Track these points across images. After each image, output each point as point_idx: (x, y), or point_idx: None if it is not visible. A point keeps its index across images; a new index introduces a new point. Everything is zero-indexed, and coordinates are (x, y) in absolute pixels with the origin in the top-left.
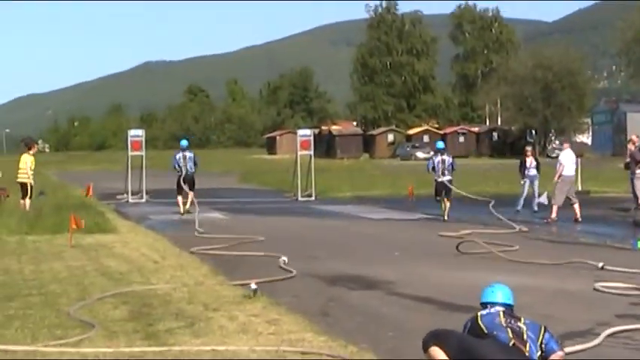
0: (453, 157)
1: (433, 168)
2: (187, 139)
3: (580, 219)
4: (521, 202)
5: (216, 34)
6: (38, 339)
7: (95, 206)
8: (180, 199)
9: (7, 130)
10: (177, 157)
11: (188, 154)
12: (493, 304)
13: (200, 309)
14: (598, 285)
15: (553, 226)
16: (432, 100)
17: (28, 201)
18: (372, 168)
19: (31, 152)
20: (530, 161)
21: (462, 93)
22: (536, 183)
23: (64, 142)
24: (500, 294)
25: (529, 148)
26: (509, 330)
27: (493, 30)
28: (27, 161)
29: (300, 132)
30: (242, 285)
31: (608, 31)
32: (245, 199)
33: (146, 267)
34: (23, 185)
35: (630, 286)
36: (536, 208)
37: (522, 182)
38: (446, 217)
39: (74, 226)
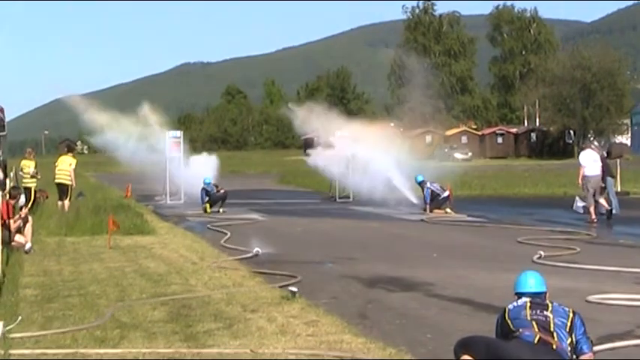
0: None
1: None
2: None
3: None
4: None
5: (253, 35)
6: (78, 340)
7: (134, 208)
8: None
9: (46, 132)
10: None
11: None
12: (525, 293)
13: (239, 310)
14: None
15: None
16: (470, 101)
17: (67, 202)
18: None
19: (71, 154)
20: None
21: (500, 94)
22: (607, 183)
23: (102, 143)
24: (532, 281)
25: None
26: (534, 323)
27: (531, 30)
28: (71, 163)
29: (338, 133)
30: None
31: None
32: (283, 200)
33: (185, 268)
34: (62, 186)
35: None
36: (614, 209)
37: (602, 185)
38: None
39: (112, 228)
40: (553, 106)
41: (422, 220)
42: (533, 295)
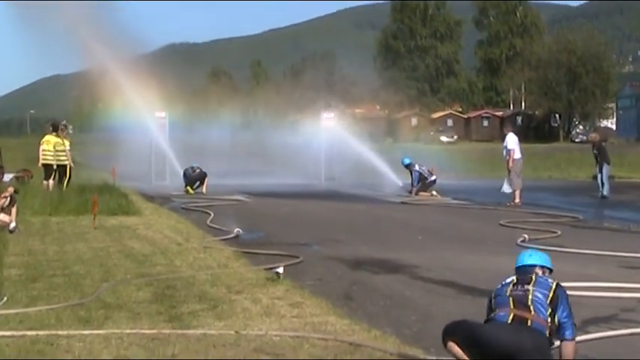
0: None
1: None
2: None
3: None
4: (606, 186)
5: (239, 16)
6: (62, 320)
7: (119, 188)
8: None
9: (32, 111)
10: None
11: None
12: (518, 268)
13: (223, 291)
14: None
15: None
16: (456, 84)
17: (51, 182)
18: (396, 151)
19: (55, 133)
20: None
21: (486, 77)
22: (600, 168)
23: (88, 124)
24: (526, 256)
25: (593, 135)
26: (511, 300)
27: (517, 14)
28: (56, 143)
29: (325, 115)
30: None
31: (634, 15)
32: (268, 181)
33: (169, 249)
34: (47, 167)
35: None
36: (605, 193)
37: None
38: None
39: (95, 210)
40: (539, 89)
41: (402, 202)
42: (525, 269)
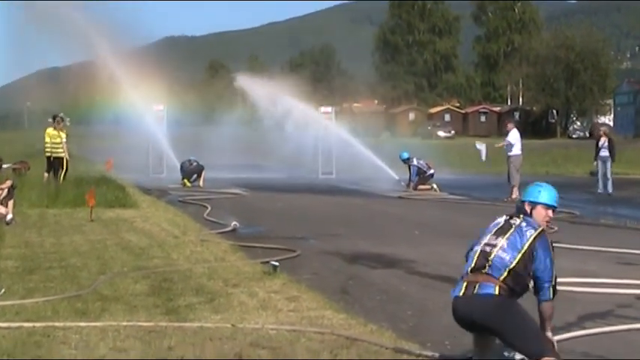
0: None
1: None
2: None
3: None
4: (601, 184)
5: (238, 9)
6: (59, 312)
7: (116, 181)
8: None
9: (28, 104)
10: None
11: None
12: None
13: (220, 285)
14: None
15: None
16: (454, 79)
17: (45, 174)
18: (393, 146)
19: (51, 127)
20: (603, 142)
21: (484, 72)
22: (608, 165)
23: (85, 117)
24: (530, 188)
25: (604, 128)
26: (474, 259)
27: (516, 9)
28: (52, 135)
29: (322, 109)
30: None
31: (632, 12)
32: (267, 175)
33: (166, 242)
34: (49, 159)
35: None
36: (610, 190)
37: (595, 163)
38: None
39: (92, 203)
40: (536, 85)
41: (399, 197)
42: (521, 204)
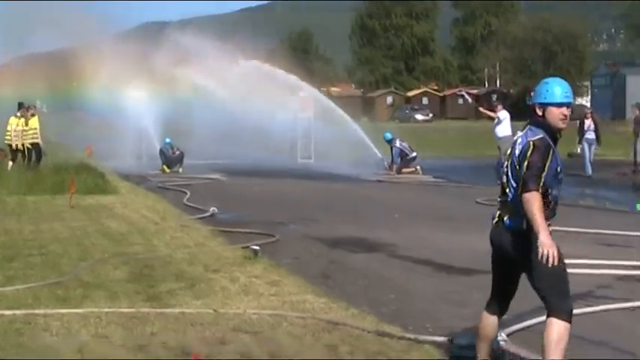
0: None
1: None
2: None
3: None
4: (589, 166)
5: None
6: (40, 299)
7: (95, 167)
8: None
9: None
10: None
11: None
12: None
13: (201, 270)
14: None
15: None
16: (431, 62)
17: (10, 163)
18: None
19: (18, 114)
20: (588, 124)
21: (461, 56)
22: (593, 147)
23: (63, 103)
24: (547, 91)
25: (589, 110)
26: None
27: None
28: (18, 123)
29: (301, 94)
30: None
31: None
32: (245, 160)
33: (147, 228)
34: (10, 147)
35: None
36: (590, 172)
37: (579, 145)
38: None
39: (72, 190)
40: (514, 68)
41: (379, 180)
42: (532, 107)
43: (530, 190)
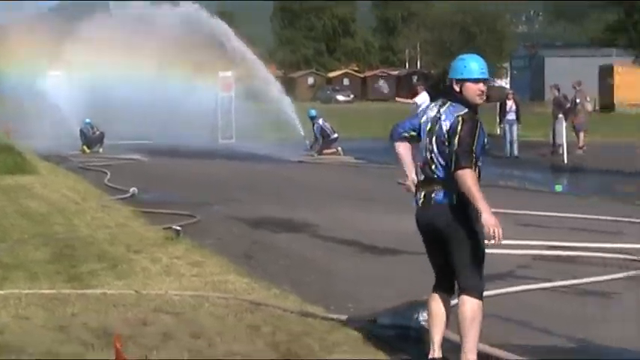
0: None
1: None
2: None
3: None
4: (508, 147)
5: None
6: None
7: (14, 146)
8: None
9: None
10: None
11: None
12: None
13: (122, 250)
14: None
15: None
16: (352, 43)
17: None
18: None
19: None
20: (510, 105)
21: (382, 37)
22: (515, 128)
23: None
24: (464, 67)
25: (511, 91)
26: (419, 168)
27: None
28: None
29: (221, 74)
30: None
31: None
32: (165, 140)
33: (67, 208)
34: None
35: None
36: (516, 153)
37: (501, 126)
38: None
39: None
40: (434, 49)
41: (300, 161)
42: (449, 83)
43: (464, 167)
